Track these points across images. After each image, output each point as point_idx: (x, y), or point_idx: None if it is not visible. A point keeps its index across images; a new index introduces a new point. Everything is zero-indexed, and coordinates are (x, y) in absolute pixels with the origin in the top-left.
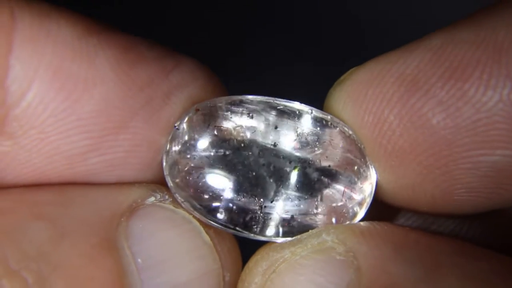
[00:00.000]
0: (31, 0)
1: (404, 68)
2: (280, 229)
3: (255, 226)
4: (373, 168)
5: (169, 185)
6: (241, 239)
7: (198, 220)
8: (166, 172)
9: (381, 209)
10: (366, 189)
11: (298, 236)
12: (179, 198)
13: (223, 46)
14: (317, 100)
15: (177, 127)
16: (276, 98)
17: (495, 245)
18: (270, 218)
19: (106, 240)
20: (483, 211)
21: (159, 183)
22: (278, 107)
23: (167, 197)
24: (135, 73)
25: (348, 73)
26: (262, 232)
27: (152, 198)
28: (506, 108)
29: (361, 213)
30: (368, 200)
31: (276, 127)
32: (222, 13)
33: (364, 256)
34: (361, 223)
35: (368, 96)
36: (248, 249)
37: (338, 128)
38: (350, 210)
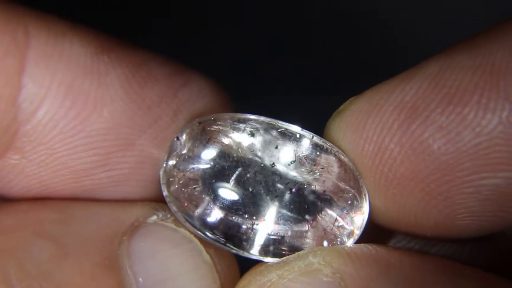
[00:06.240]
0: (46, 17)
1: (402, 96)
2: (270, 249)
3: (245, 244)
4: (367, 202)
5: (164, 194)
6: (238, 256)
7: (196, 236)
8: (162, 181)
9: (374, 230)
10: (357, 221)
11: (285, 258)
12: (173, 208)
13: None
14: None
15: (177, 138)
16: (278, 120)
17: (491, 265)
18: (261, 237)
19: (108, 259)
20: (485, 235)
21: (162, 201)
22: (279, 129)
23: (168, 215)
24: (144, 92)
25: (347, 103)
26: (251, 250)
27: (154, 217)
28: (506, 130)
29: (349, 243)
30: (358, 233)
31: (276, 147)
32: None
33: (351, 277)
34: (347, 244)
35: (368, 126)
36: (247, 266)
37: (336, 156)
38: (339, 239)
